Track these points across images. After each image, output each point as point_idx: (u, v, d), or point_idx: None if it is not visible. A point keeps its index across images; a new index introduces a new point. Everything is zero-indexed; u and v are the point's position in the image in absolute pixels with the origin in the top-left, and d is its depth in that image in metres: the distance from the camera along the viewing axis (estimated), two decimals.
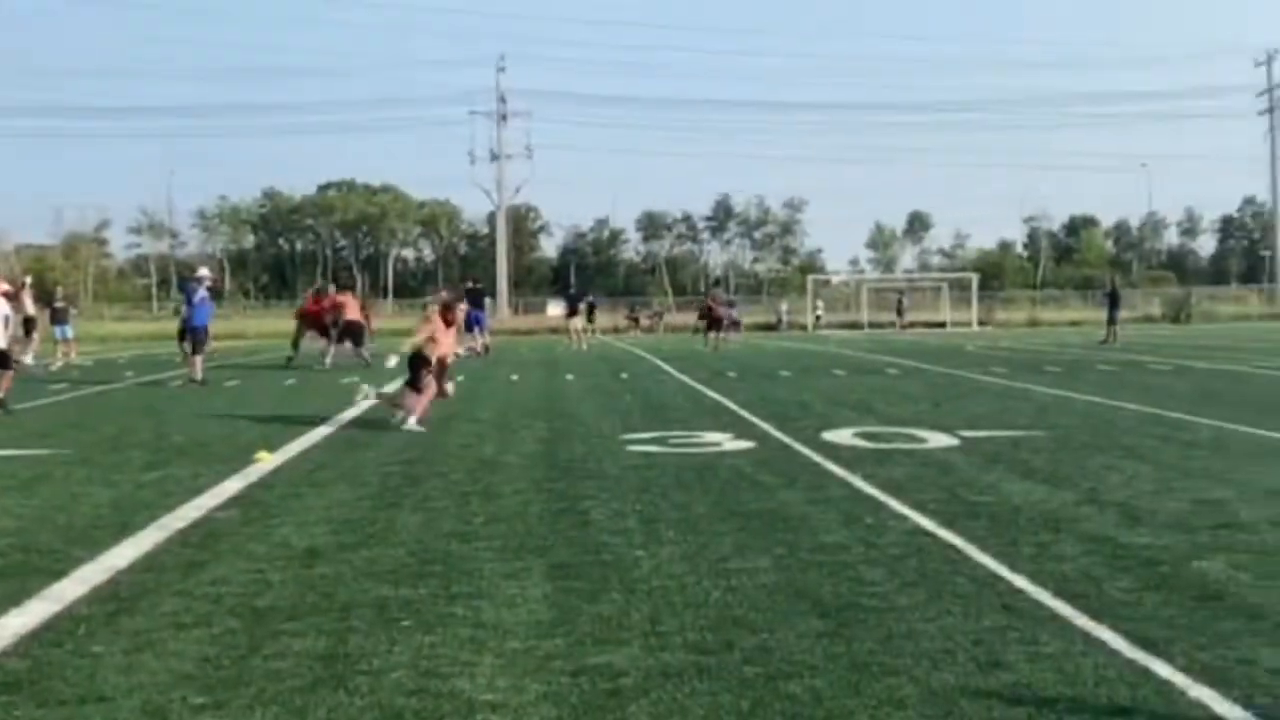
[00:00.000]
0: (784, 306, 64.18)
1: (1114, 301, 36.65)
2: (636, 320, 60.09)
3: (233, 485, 9.77)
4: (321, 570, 6.74)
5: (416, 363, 13.88)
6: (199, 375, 21.74)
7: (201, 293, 22.52)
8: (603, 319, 56.63)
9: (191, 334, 22.33)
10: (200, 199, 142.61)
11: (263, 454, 11.35)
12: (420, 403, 13.78)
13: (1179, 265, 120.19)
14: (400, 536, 7.65)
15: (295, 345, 28.20)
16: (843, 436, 12.40)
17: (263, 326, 55.02)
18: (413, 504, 8.83)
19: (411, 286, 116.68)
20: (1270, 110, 74.64)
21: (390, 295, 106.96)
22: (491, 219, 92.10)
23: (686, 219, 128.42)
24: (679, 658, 5.05)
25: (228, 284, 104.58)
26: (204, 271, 24.23)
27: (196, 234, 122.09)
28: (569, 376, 23.45)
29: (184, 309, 23.27)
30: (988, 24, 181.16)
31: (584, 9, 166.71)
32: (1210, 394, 17.23)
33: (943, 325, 57.24)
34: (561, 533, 7.71)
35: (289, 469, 10.74)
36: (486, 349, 32.62)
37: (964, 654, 5.08)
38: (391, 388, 15.13)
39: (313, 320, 27.91)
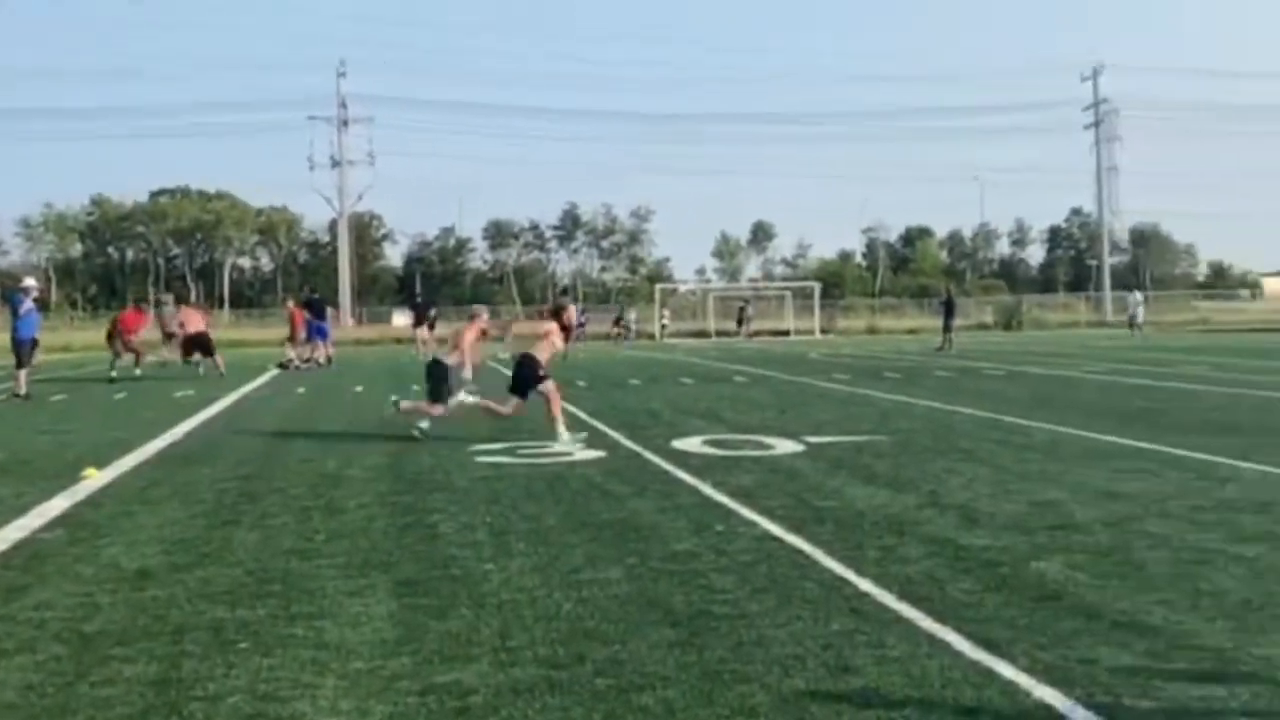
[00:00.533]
0: (632, 315, 64.38)
1: (949, 310, 37.68)
2: (484, 331, 59.61)
3: (59, 504, 9.33)
4: (153, 592, 6.46)
5: (438, 373, 13.88)
6: (23, 389, 20.80)
7: (28, 304, 21.57)
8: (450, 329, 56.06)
9: (17, 347, 21.36)
10: (24, 206, 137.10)
11: (90, 471, 10.89)
12: (436, 410, 13.69)
13: (1010, 274, 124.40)
14: (237, 555, 7.39)
15: (113, 364, 26.92)
16: (692, 444, 12.44)
17: (90, 338, 52.99)
18: (250, 521, 8.55)
19: (249, 296, 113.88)
20: (1096, 124, 77.72)
21: (226, 305, 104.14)
22: (333, 227, 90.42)
23: (534, 228, 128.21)
24: (529, 673, 4.96)
25: (54, 294, 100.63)
26: (30, 281, 23.14)
27: (20, 243, 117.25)
28: (415, 388, 23.07)
29: (10, 320, 22.24)
30: (828, 37, 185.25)
31: (429, 13, 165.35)
32: (1043, 398, 17.79)
33: (787, 333, 58.12)
34: (408, 547, 7.54)
35: (119, 486, 10.31)
36: (329, 360, 31.96)
37: (814, 659, 5.10)
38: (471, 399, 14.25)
39: (122, 334, 26.72)
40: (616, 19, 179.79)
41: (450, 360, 14.01)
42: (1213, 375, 22.16)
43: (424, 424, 13.58)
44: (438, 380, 13.90)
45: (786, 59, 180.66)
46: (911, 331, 58.13)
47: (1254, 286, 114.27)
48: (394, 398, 14.85)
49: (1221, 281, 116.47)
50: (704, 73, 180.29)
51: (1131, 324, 46.24)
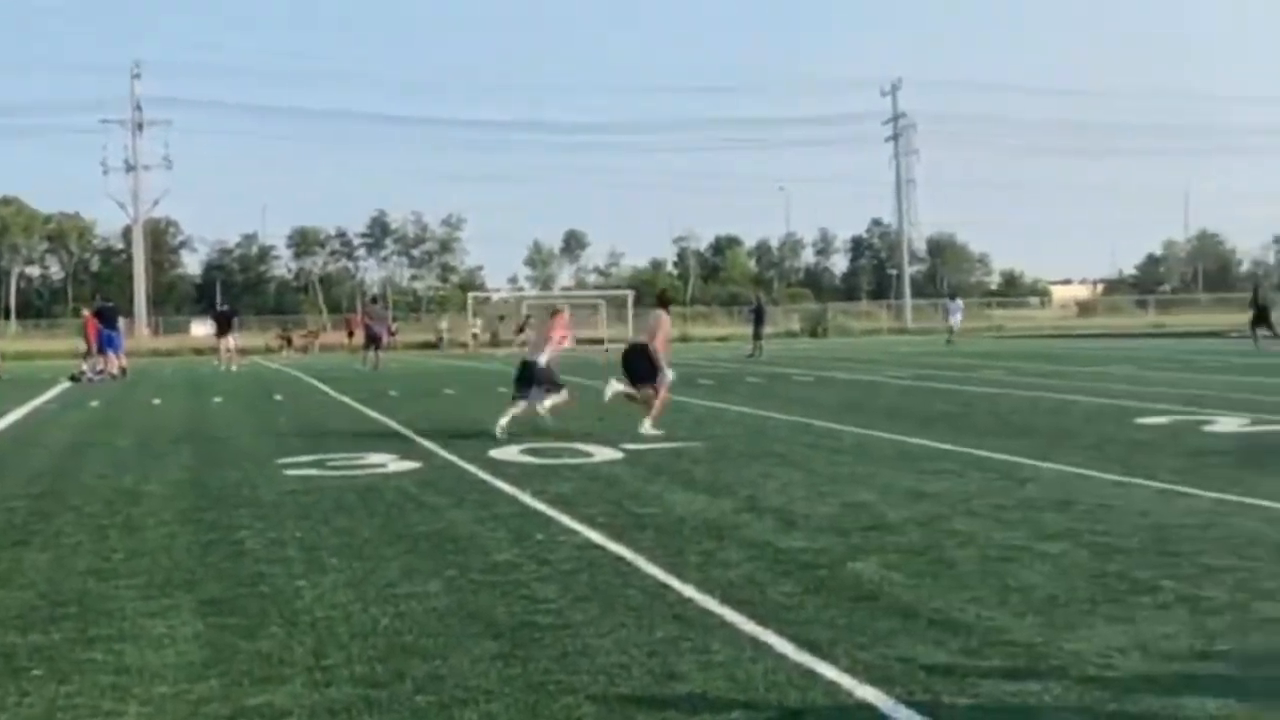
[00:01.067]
0: (444, 324, 63.67)
1: (759, 317, 38.38)
2: (289, 340, 58.11)
3: None
4: None
5: (530, 373, 14.31)
6: None
7: None
8: (254, 339, 54.56)
9: None
10: None
11: None
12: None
13: (815, 283, 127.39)
14: (28, 577, 6.96)
15: None
16: (510, 453, 12.29)
17: None
18: (42, 541, 8.08)
19: (37, 306, 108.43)
20: (895, 137, 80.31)
21: (13, 316, 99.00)
22: (127, 233, 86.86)
23: (341, 235, 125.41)
24: (346, 692, 4.77)
25: None
26: None
27: None
28: (217, 399, 22.34)
29: None
30: (639, 48, 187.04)
31: (232, 13, 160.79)
32: (850, 403, 18.22)
33: (600, 342, 58.34)
34: (213, 565, 7.22)
35: None
36: (123, 371, 30.67)
37: (639, 667, 5.05)
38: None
39: None
40: (428, 23, 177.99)
41: (541, 359, 14.36)
42: (1009, 379, 23.06)
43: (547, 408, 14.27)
44: (531, 380, 14.29)
45: (598, 68, 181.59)
46: (722, 339, 58.98)
47: (1043, 294, 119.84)
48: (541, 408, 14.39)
49: (1013, 290, 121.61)
50: (516, 80, 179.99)
51: (950, 331, 47.19)
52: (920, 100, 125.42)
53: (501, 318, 63.01)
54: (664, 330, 14.67)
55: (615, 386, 14.51)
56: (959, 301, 52.39)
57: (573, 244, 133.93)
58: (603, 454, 12.09)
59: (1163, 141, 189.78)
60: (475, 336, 58.06)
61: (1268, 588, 6.11)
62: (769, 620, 5.71)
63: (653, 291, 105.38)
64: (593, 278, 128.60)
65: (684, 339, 60.59)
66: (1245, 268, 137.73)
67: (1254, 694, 4.53)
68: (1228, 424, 13.78)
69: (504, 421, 13.89)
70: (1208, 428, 13.53)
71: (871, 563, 6.93)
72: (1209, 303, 74.79)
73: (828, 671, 4.94)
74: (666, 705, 4.61)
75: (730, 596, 6.18)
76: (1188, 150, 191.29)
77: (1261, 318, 31.66)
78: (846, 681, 4.81)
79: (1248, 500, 8.66)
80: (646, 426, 13.71)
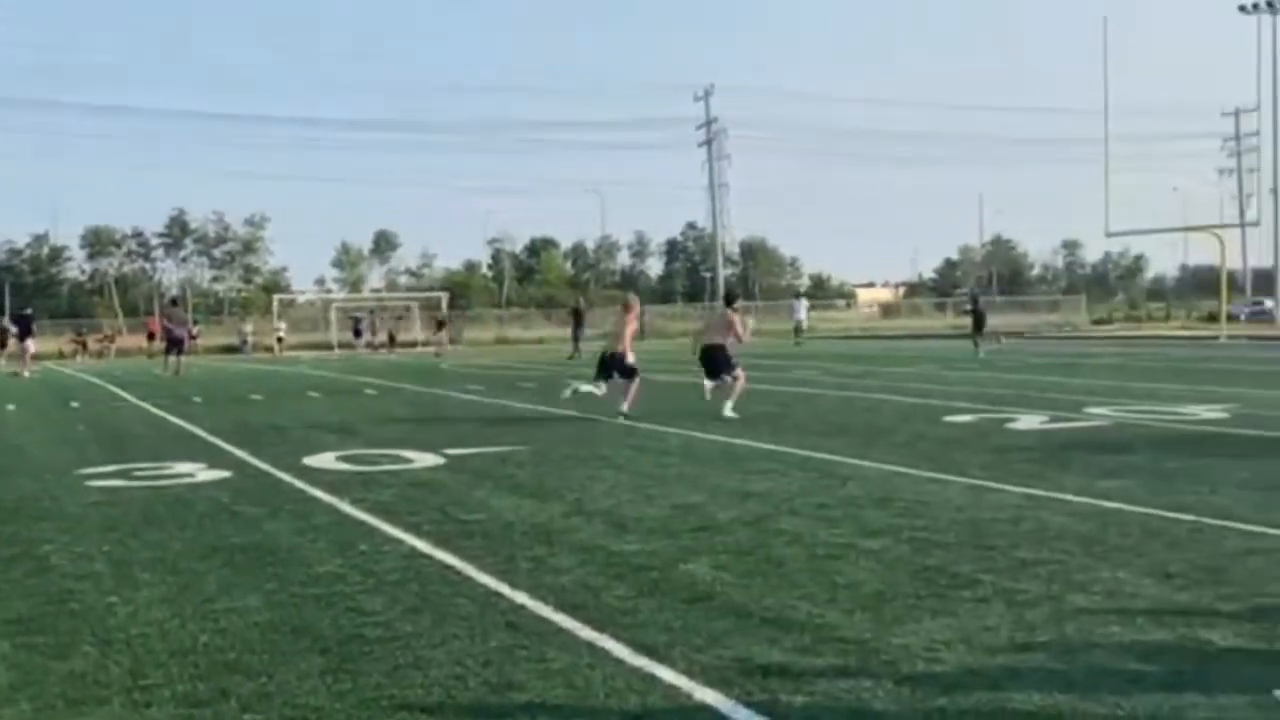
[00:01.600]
0: (248, 328, 61.88)
1: (579, 320, 38.40)
2: (84, 344, 55.59)
3: None
4: None
5: (613, 363, 16.56)
6: None
7: None
8: (48, 344, 52.02)
9: None
10: None
11: None
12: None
13: (631, 285, 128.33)
14: None
15: None
16: (326, 460, 11.98)
17: None
18: None
19: None
20: (708, 142, 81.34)
21: None
22: None
23: (138, 235, 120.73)
24: (168, 712, 4.56)
25: None
26: None
27: None
28: (10, 406, 21.25)
29: None
30: (453, 46, 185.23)
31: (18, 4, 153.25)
32: (673, 404, 18.34)
33: (414, 345, 57.51)
34: (16, 582, 6.82)
35: None
36: None
37: (475, 678, 4.95)
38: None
39: None
40: (232, 18, 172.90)
41: (620, 349, 16.41)
42: (823, 379, 23.59)
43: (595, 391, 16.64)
44: (612, 369, 16.54)
45: (410, 65, 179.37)
46: (540, 341, 58.86)
47: (849, 296, 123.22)
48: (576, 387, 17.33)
49: (821, 292, 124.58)
50: (322, 77, 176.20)
51: (797, 330, 47.84)
52: (733, 106, 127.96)
53: (399, 318, 61.69)
54: (735, 326, 16.70)
55: (708, 384, 16.64)
56: (804, 300, 53.24)
57: (383, 245, 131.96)
58: (424, 460, 11.89)
59: (959, 149, 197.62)
60: (281, 340, 56.56)
61: (1079, 580, 6.36)
62: (605, 625, 5.67)
63: (467, 293, 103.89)
64: (404, 279, 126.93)
65: (501, 342, 60.43)
66: (1036, 271, 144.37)
67: (1075, 684, 4.69)
68: (1028, 421, 14.35)
69: (583, 386, 16.83)
70: (1010, 425, 14.06)
71: (703, 564, 6.97)
72: (1003, 304, 78.06)
73: (666, 675, 4.93)
74: (505, 716, 4.53)
75: (564, 602, 6.12)
76: (983, 158, 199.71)
77: (979, 325, 33.60)
78: (685, 684, 4.81)
79: (1053, 495, 9.02)
80: (728, 410, 15.63)
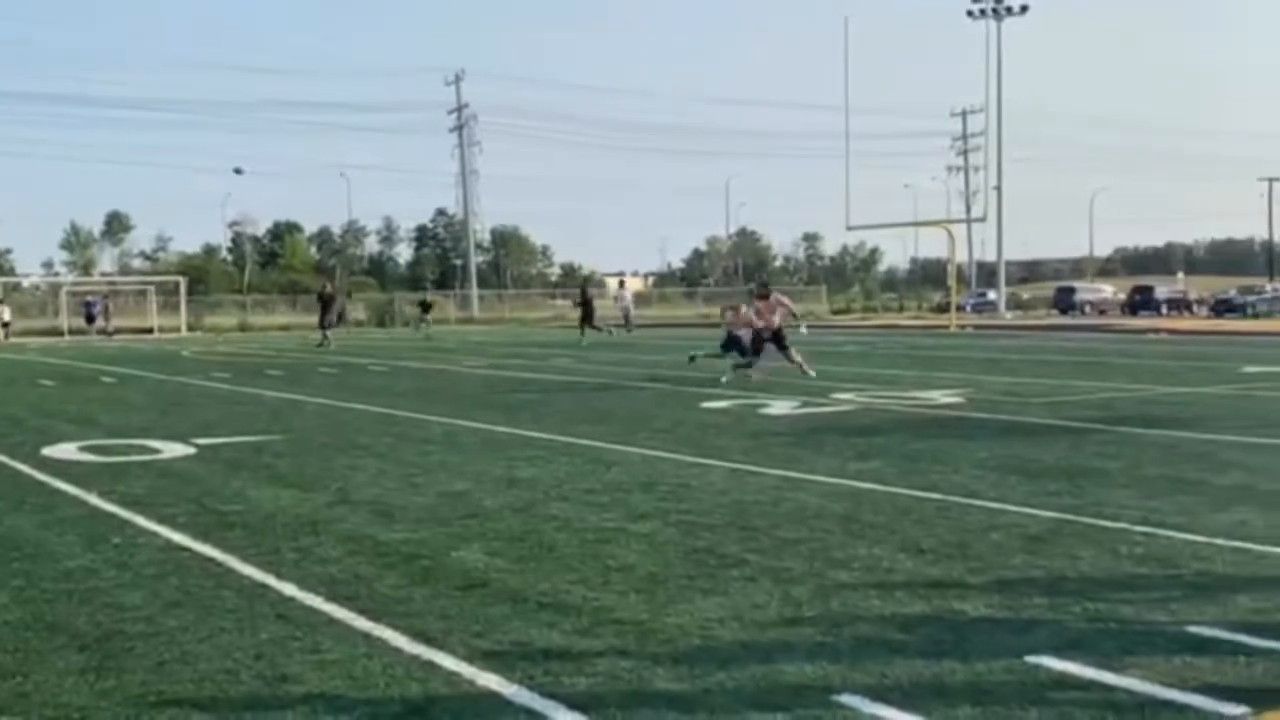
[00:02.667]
0: None
1: (327, 305, 37.43)
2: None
3: None
4: None
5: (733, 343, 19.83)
6: None
7: None
8: None
9: None
10: None
11: None
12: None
13: (380, 271, 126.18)
14: None
15: None
16: (67, 451, 11.37)
17: None
18: None
19: None
20: (460, 127, 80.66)
21: None
22: None
23: None
24: None
25: None
26: None
27: None
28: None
29: None
30: (189, 23, 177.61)
31: None
32: (432, 393, 18.19)
33: (150, 331, 55.04)
34: None
35: None
36: None
37: (247, 671, 4.81)
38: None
39: None
40: None
41: (740, 332, 19.57)
42: (580, 367, 23.78)
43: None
44: (733, 346, 19.69)
45: (143, 41, 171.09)
46: (284, 328, 57.17)
47: (600, 286, 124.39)
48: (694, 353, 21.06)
49: (572, 280, 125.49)
50: (52, 51, 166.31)
51: (626, 320, 45.70)
52: (486, 93, 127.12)
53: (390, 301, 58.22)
54: (782, 310, 19.44)
55: (795, 357, 19.19)
56: (628, 293, 52.18)
57: (115, 226, 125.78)
58: (173, 450, 11.42)
59: (707, 143, 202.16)
60: (6, 325, 53.15)
61: (839, 557, 6.64)
62: (379, 614, 5.59)
63: (206, 278, 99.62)
64: (138, 262, 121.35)
65: (244, 328, 58.44)
66: (779, 263, 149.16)
67: (842, 654, 4.90)
68: (781, 407, 14.85)
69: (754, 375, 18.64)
70: (763, 410, 14.52)
71: (475, 550, 6.95)
72: (747, 294, 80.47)
73: (446, 662, 4.90)
74: (284, 708, 4.42)
75: (335, 593, 6.00)
76: (730, 152, 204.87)
77: (587, 317, 34.55)
78: (467, 670, 4.80)
79: (808, 477, 9.38)
80: (808, 371, 18.94)
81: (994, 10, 62.53)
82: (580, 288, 39.10)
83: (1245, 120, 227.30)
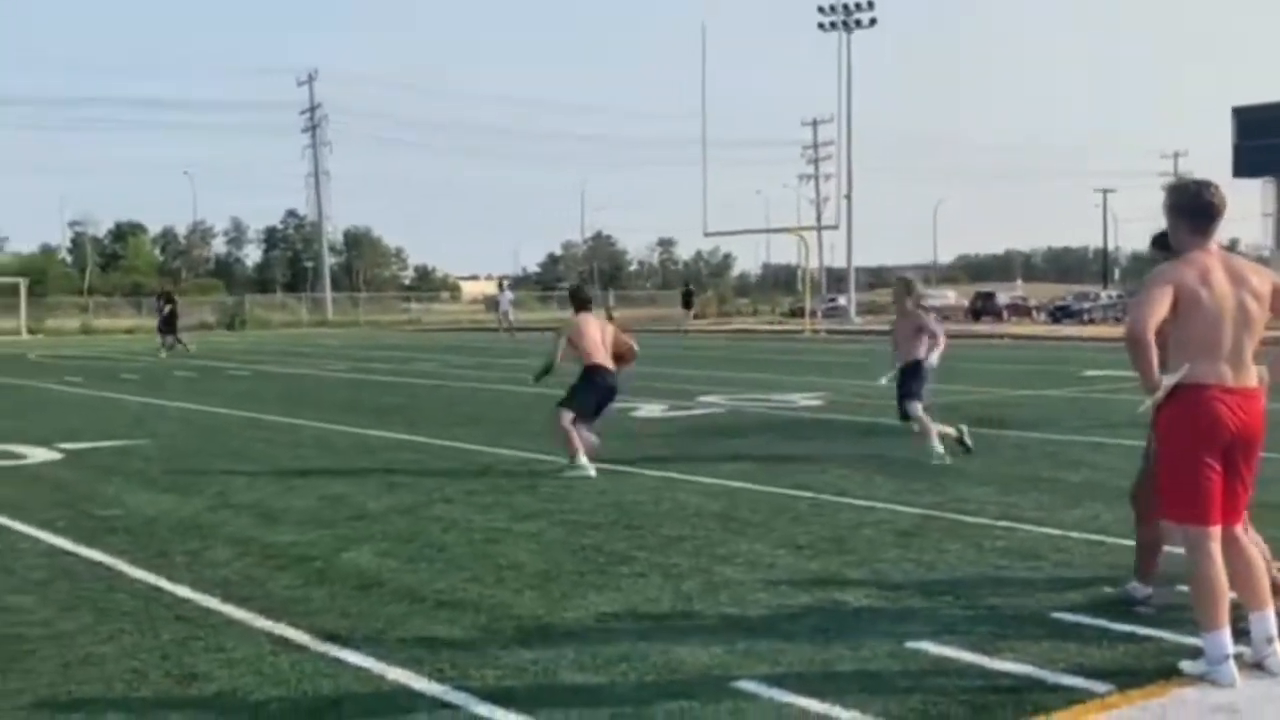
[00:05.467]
0: None
1: (172, 310, 36.52)
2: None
3: None
4: None
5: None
6: None
7: None
8: None
9: None
10: None
11: None
12: None
13: (227, 273, 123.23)
14: None
15: None
16: None
17: None
18: None
19: None
20: (312, 128, 79.31)
21: None
22: None
23: None
24: None
25: None
26: None
27: None
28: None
29: None
30: (20, 18, 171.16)
31: None
32: (297, 396, 18.01)
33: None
34: None
35: None
36: None
37: (155, 670, 4.87)
38: None
39: None
40: None
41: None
42: (444, 371, 23.75)
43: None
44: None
45: None
46: (129, 331, 55.52)
47: (454, 289, 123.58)
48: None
49: (426, 284, 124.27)
50: None
51: (508, 323, 44.53)
52: (338, 94, 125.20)
53: None
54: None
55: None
56: (510, 294, 51.05)
57: None
58: (37, 455, 11.21)
59: (563, 148, 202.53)
60: None
61: (722, 553, 6.91)
62: (279, 614, 5.68)
63: (44, 279, 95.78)
64: None
65: (88, 331, 56.60)
66: (634, 267, 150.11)
67: (736, 644, 5.15)
68: (650, 409, 15.12)
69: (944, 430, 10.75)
70: (635, 413, 14.75)
71: (365, 551, 7.04)
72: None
73: (353, 658, 5.02)
74: (199, 706, 4.51)
75: (231, 594, 6.06)
76: (586, 157, 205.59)
77: (169, 324, 32.58)
78: (375, 666, 4.92)
79: (685, 477, 9.65)
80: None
81: (844, 23, 64.01)
82: (165, 293, 36.33)
83: (1081, 132, 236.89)
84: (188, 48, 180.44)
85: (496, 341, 38.40)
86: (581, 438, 9.95)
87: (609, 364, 10.25)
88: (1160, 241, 5.40)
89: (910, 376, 10.66)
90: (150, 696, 4.59)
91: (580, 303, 10.76)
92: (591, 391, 10.13)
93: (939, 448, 10.37)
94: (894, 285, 11.66)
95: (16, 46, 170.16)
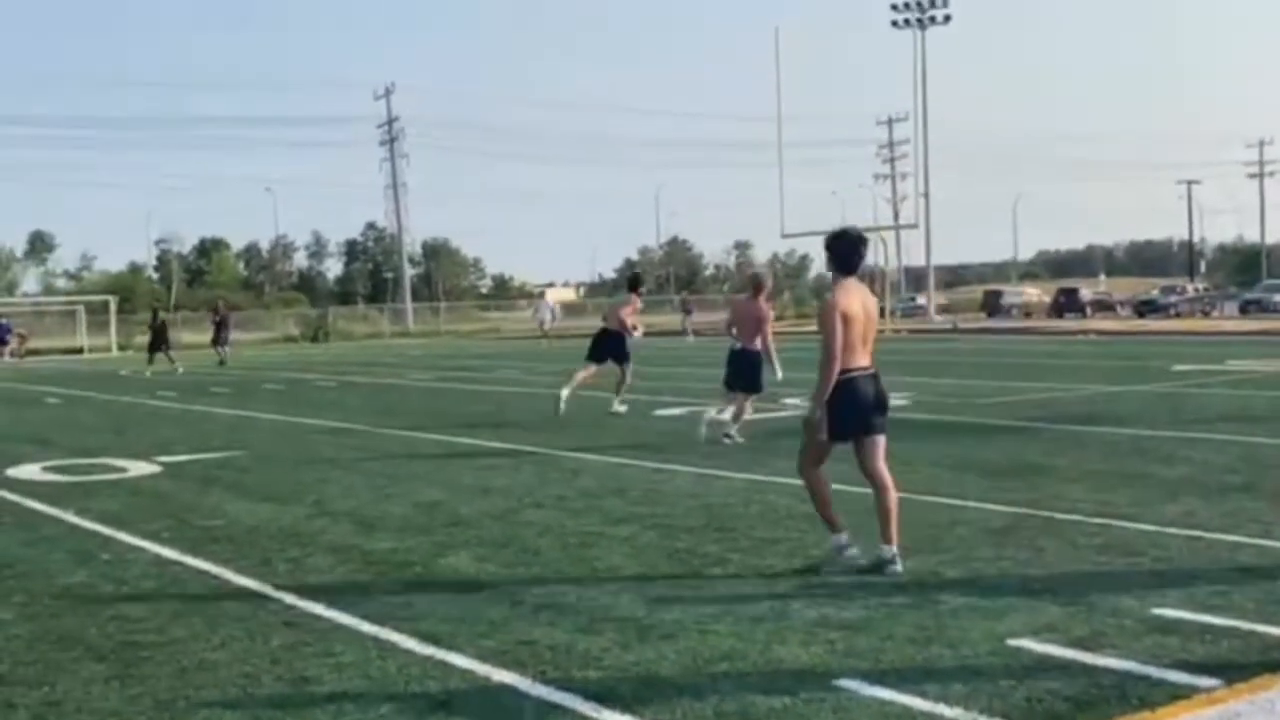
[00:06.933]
0: None
1: (222, 324, 37.51)
2: None
3: None
4: None
5: None
6: None
7: None
8: None
9: None
10: None
11: None
12: None
13: (310, 286, 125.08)
14: None
15: None
16: (32, 472, 11.37)
17: None
18: None
19: None
20: (390, 141, 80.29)
21: None
22: None
23: None
24: None
25: None
26: None
27: None
28: None
29: None
30: (111, 41, 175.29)
31: None
32: (384, 406, 18.26)
33: (80, 350, 54.29)
34: None
35: None
36: None
37: (268, 675, 5.00)
38: None
39: None
40: None
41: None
42: (527, 379, 23.91)
43: None
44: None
45: (66, 59, 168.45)
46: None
47: (531, 296, 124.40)
48: None
49: (503, 293, 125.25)
50: None
51: (543, 329, 45.52)
52: (412, 106, 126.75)
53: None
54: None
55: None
56: (548, 300, 51.70)
57: (38, 246, 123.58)
58: (138, 468, 11.49)
59: (637, 153, 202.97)
60: None
61: (816, 555, 6.92)
62: (384, 619, 5.78)
63: (133, 296, 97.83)
64: (62, 282, 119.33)
65: (174, 347, 57.66)
66: (710, 271, 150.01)
67: (835, 644, 5.17)
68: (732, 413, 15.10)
69: None
70: (720, 414, 14.77)
71: (463, 556, 7.16)
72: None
73: (459, 660, 5.12)
74: (311, 707, 4.62)
75: (336, 600, 6.18)
76: (661, 161, 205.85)
77: (157, 343, 32.11)
78: (480, 668, 5.01)
79: (772, 479, 9.66)
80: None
81: (918, 20, 63.55)
82: (152, 311, 35.94)
83: (1161, 123, 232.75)
84: (265, 65, 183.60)
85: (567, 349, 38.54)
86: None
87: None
88: None
89: (749, 362, 12.45)
90: (263, 699, 4.72)
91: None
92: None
93: (706, 432, 12.11)
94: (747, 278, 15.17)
95: (105, 69, 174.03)
